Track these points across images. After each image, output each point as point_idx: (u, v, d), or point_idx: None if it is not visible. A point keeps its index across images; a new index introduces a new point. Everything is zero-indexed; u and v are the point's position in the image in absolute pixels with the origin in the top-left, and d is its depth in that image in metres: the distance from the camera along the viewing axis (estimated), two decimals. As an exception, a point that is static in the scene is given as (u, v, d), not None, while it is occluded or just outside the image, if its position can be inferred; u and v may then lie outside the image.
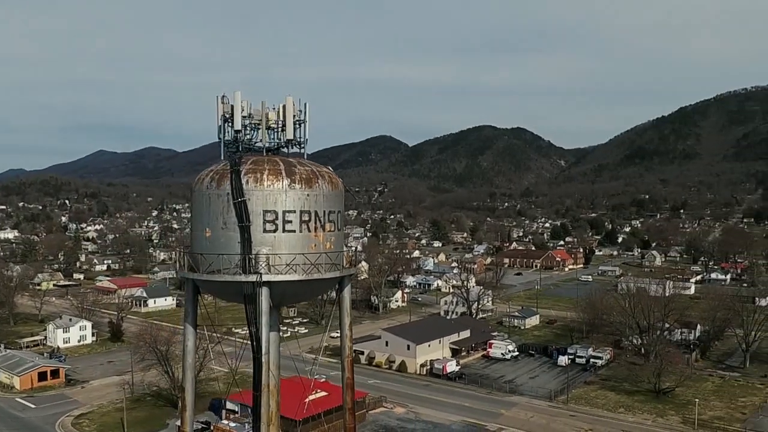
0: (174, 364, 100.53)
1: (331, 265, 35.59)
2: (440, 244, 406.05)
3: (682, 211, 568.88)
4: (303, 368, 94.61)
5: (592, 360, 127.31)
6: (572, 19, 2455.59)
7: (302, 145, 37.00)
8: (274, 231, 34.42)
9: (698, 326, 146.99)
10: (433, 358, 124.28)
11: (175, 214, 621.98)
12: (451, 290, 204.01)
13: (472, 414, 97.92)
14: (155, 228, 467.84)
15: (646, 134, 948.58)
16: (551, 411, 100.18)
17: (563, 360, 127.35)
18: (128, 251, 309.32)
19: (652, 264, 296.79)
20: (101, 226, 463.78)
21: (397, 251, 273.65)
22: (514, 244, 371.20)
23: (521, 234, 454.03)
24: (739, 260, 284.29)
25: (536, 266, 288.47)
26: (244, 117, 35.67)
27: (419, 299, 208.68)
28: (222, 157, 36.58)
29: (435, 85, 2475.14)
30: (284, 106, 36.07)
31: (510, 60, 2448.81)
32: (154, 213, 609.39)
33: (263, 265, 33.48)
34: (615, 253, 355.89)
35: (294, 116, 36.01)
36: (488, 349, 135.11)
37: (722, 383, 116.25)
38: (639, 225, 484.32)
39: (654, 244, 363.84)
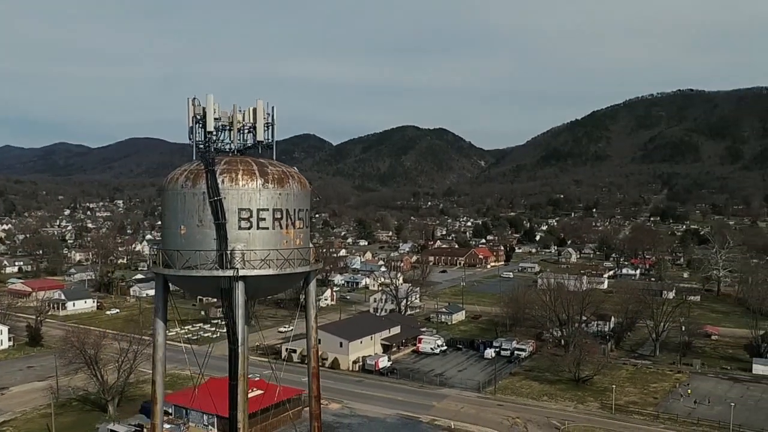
0: (103, 368, 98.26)
1: (301, 260, 37.26)
2: (366, 243, 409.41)
3: (594, 210, 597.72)
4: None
5: (516, 352, 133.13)
6: (493, 23, 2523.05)
7: (271, 147, 38.33)
8: (249, 228, 35.88)
9: (612, 318, 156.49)
10: (365, 354, 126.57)
11: (89, 213, 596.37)
12: (380, 288, 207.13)
13: (406, 407, 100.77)
14: (69, 228, 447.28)
15: (560, 137, 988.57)
16: (480, 401, 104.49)
17: (489, 353, 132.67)
18: (41, 252, 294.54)
19: (568, 261, 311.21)
20: (9, 225, 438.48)
21: (324, 250, 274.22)
22: (438, 243, 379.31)
23: (445, 232, 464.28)
24: (647, 256, 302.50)
25: (460, 264, 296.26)
26: (216, 119, 36.62)
27: (348, 297, 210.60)
28: (193, 157, 37.34)
29: (359, 84, 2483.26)
30: (255, 110, 37.44)
31: (432, 61, 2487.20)
32: (67, 212, 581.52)
33: (239, 261, 34.69)
34: (534, 250, 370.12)
35: (264, 119, 37.33)
36: (418, 345, 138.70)
37: (635, 371, 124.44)
38: (555, 223, 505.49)
39: (569, 242, 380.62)
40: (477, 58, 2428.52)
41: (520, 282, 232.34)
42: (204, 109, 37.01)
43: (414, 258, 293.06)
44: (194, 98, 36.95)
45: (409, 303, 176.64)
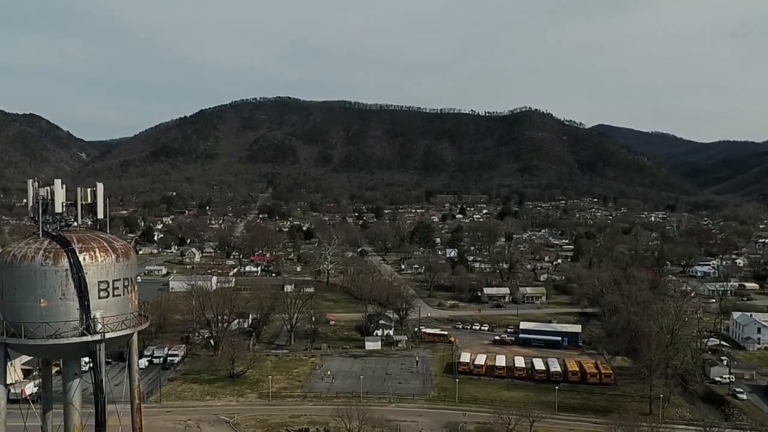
0: None
1: (140, 317, 40.52)
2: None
3: (207, 208, 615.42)
4: None
5: (169, 358, 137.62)
6: (92, 5, 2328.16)
7: (105, 222, 40.43)
8: (107, 297, 39.78)
9: (250, 315, 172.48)
10: (8, 382, 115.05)
11: None
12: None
13: None
14: None
15: (170, 133, 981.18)
16: (148, 411, 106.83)
17: (142, 362, 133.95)
18: None
19: (192, 260, 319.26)
20: None
21: None
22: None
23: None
24: (264, 253, 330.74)
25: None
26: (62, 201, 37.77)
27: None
28: (40, 235, 37.22)
29: None
30: (95, 191, 39.37)
31: (21, 38, 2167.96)
32: None
33: (100, 326, 36.69)
34: (155, 251, 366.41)
35: (104, 199, 39.50)
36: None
37: (278, 360, 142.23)
38: (171, 222, 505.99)
39: (189, 241, 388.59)
40: (75, 41, 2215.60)
41: (151, 286, 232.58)
42: (50, 191, 39.80)
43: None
44: (34, 179, 37.86)
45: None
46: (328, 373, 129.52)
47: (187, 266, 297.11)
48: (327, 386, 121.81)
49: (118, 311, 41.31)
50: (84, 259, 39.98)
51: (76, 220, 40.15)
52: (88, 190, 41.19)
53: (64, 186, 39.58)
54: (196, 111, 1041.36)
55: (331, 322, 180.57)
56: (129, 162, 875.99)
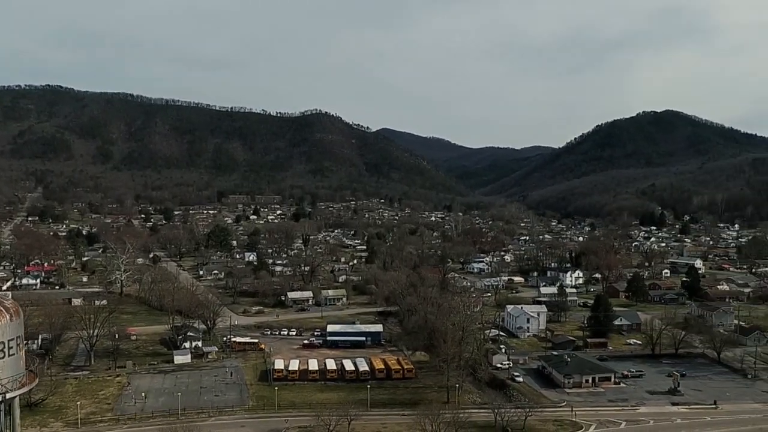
0: None
1: (30, 373, 38.65)
2: None
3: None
4: None
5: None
6: None
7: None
8: (3, 357, 38.70)
9: (39, 335, 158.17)
10: None
11: None
12: None
13: None
14: None
15: None
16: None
17: None
18: None
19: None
20: None
21: None
22: None
23: None
24: (41, 262, 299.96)
25: None
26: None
27: None
28: None
29: None
30: None
31: None
32: None
33: (1, 387, 34.64)
34: None
35: None
36: None
37: (79, 383, 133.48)
38: None
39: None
40: None
41: None
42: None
43: None
44: None
45: None
46: (142, 394, 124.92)
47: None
48: (140, 406, 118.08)
49: (14, 371, 40.12)
50: (-20, 322, 38.67)
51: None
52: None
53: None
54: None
55: (133, 337, 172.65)
56: None
